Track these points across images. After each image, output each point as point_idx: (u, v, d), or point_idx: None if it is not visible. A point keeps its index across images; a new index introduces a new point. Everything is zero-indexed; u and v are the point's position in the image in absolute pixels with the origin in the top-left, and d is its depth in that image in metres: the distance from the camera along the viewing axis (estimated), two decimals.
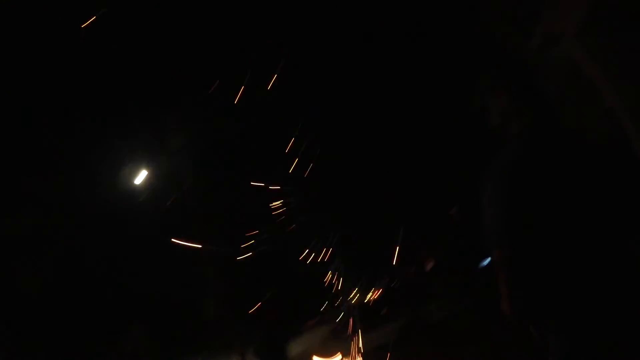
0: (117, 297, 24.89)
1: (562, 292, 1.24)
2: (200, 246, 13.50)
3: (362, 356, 13.65)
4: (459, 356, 7.55)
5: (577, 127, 1.54)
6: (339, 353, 14.66)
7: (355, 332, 19.17)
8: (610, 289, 1.23)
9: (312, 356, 15.06)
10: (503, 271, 1.30)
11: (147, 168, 12.93)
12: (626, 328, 1.23)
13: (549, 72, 5.08)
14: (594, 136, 1.59)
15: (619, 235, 1.29)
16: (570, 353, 1.25)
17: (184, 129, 13.43)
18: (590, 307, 1.23)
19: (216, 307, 12.34)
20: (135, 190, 13.33)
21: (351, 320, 20.28)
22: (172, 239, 13.87)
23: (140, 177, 12.87)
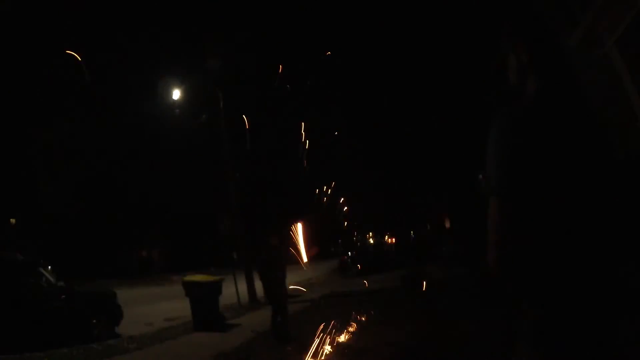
0: (140, 207, 26.45)
1: (549, 266, 1.23)
2: None
3: None
4: (436, 313, 7.80)
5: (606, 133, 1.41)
6: None
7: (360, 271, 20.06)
8: (596, 284, 1.22)
9: None
10: (496, 218, 1.26)
11: (182, 85, 13.06)
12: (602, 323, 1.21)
13: (587, 72, 4.86)
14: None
15: (614, 244, 1.25)
16: (541, 327, 1.23)
17: (222, 50, 13.33)
18: (572, 289, 1.22)
19: (231, 224, 12.90)
20: (170, 104, 13.54)
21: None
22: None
23: (176, 92, 13.02)
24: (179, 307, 10.22)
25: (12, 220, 21.21)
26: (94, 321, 7.89)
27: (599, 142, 1.34)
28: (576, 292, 1.22)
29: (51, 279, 7.80)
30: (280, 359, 5.87)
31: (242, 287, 12.65)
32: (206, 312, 8.83)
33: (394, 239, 60.59)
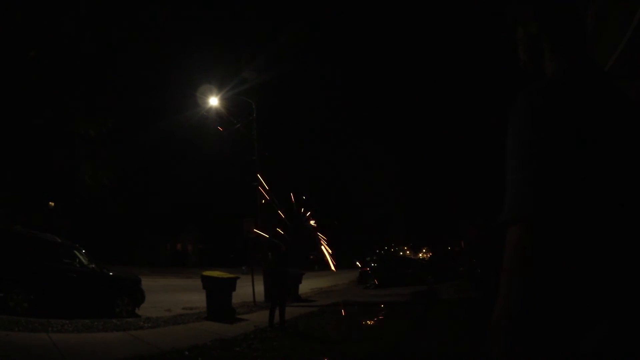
0: (180, 205, 28.08)
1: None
2: None
3: None
4: (439, 334, 8.09)
5: None
6: None
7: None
8: None
9: None
10: (514, 264, 0.72)
11: (217, 92, 14.02)
12: None
13: None
14: None
15: None
16: None
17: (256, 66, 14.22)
18: None
19: (252, 229, 13.73)
20: (203, 111, 14.55)
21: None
22: None
23: (212, 100, 14.03)
24: (199, 299, 11.05)
25: (51, 204, 23.26)
26: (117, 301, 8.92)
27: None
28: None
29: (84, 260, 8.90)
30: (267, 348, 6.48)
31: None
32: (219, 304, 9.63)
33: (428, 255, 60.33)
